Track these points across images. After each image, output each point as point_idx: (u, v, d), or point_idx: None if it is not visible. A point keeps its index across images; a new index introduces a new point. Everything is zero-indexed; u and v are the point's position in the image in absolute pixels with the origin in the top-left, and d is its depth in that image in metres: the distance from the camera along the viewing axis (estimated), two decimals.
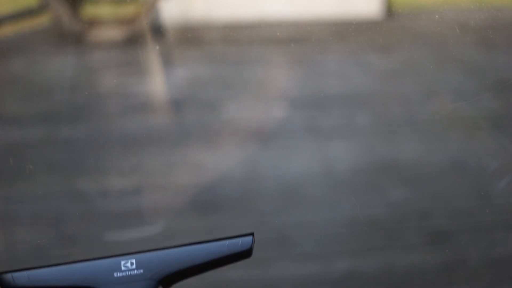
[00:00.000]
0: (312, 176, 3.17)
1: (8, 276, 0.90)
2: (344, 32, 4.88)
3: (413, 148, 3.43)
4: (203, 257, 0.91)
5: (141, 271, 0.91)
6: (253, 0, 5.31)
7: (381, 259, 2.59)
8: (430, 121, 3.63)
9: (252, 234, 0.93)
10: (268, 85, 4.02)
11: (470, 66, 4.07)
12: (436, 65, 4.01)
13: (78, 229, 2.70)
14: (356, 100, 3.99)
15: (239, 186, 3.04)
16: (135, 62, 4.33)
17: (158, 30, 4.64)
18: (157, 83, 4.05)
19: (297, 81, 4.07)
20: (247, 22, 5.18)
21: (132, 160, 3.26)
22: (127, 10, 5.13)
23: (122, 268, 0.91)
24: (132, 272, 0.91)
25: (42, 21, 5.27)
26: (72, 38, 4.89)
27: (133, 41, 4.63)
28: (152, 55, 4.06)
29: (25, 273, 0.90)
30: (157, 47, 4.21)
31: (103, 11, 5.36)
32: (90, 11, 5.37)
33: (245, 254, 0.92)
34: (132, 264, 0.91)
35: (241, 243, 0.92)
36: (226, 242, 0.92)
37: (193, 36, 4.82)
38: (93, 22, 4.96)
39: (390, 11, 5.47)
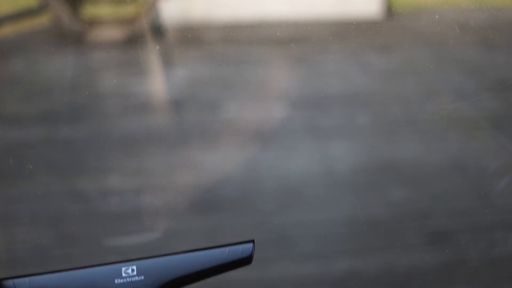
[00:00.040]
0: (312, 176, 3.17)
1: (10, 283, 0.90)
2: (344, 32, 4.88)
3: (413, 148, 3.43)
4: (204, 263, 0.91)
5: (142, 277, 0.91)
6: (253, 0, 5.31)
7: (381, 259, 2.59)
8: (430, 121, 3.63)
9: (252, 241, 0.93)
10: (268, 85, 4.02)
11: (470, 66, 4.07)
12: (436, 65, 4.01)
13: (78, 229, 2.70)
14: (356, 100, 3.99)
15: (239, 186, 3.04)
16: (135, 62, 4.33)
17: (158, 30, 4.64)
18: (157, 83, 4.05)
19: (297, 81, 4.07)
20: (247, 22, 5.18)
21: (132, 160, 3.26)
22: (127, 10, 5.13)
23: (123, 274, 0.91)
24: (133, 279, 0.91)
25: (42, 21, 5.27)
26: (72, 38, 4.89)
27: (133, 41, 4.63)
28: (152, 55, 4.06)
29: (26, 279, 0.90)
30: (157, 47, 4.21)
31: (103, 11, 5.36)
32: (90, 11, 5.37)
33: (245, 261, 0.92)
34: (133, 270, 0.92)
35: (241, 250, 0.92)
36: (227, 249, 0.92)
37: (193, 36, 4.81)
38: (93, 22, 4.96)
39: (390, 11, 5.47)
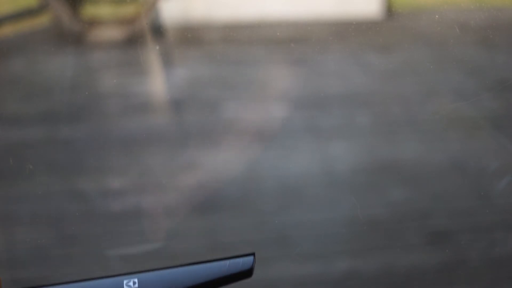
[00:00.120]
0: (312, 176, 3.17)
1: None
2: (344, 32, 4.88)
3: (413, 148, 3.43)
4: (204, 277, 0.91)
5: None
6: (253, 0, 5.31)
7: (381, 259, 2.59)
8: (430, 121, 3.63)
9: (253, 254, 0.93)
10: (268, 85, 4.02)
11: (470, 66, 4.07)
12: (436, 65, 4.01)
13: (78, 229, 2.70)
14: (356, 100, 3.99)
15: (239, 186, 3.04)
16: (135, 62, 4.33)
17: (158, 30, 4.64)
18: (157, 83, 4.05)
19: (297, 81, 4.07)
20: (247, 22, 5.18)
21: (132, 160, 3.26)
22: (127, 10, 5.13)
23: (125, 287, 0.91)
24: None
25: (42, 21, 5.27)
26: (72, 38, 4.89)
27: (133, 41, 4.63)
28: (152, 55, 4.06)
29: None
30: (157, 47, 4.21)
31: (103, 11, 5.36)
32: (90, 11, 5.37)
33: (246, 274, 0.93)
34: (134, 283, 0.92)
35: (242, 263, 0.92)
36: (227, 262, 0.92)
37: (193, 36, 4.81)
38: (93, 22, 4.96)
39: (390, 11, 5.47)
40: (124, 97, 3.92)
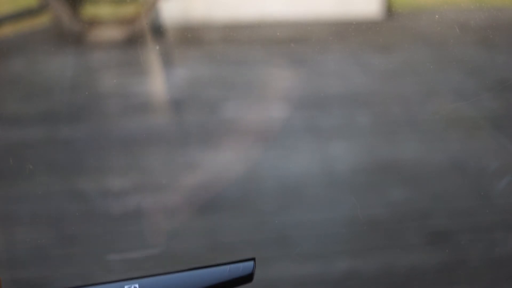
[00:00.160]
0: (312, 176, 3.17)
1: None
2: (344, 32, 4.88)
3: (413, 148, 3.43)
4: (205, 282, 0.91)
5: None
6: (253, 0, 5.31)
7: (381, 259, 2.59)
8: (430, 121, 3.63)
9: (253, 259, 0.93)
10: (268, 85, 4.02)
11: (470, 66, 4.07)
12: (436, 65, 4.01)
13: (78, 229, 2.70)
14: (356, 100, 3.99)
15: (239, 186, 3.04)
16: (135, 62, 4.33)
17: (158, 30, 4.64)
18: (157, 83, 4.05)
19: (297, 81, 4.07)
20: (247, 22, 5.18)
21: (132, 160, 3.26)
22: (127, 10, 5.13)
23: None
24: None
25: (42, 21, 5.27)
26: (72, 38, 4.89)
27: (133, 41, 4.63)
28: (152, 55, 4.06)
29: None
30: (157, 47, 4.21)
31: (103, 11, 5.36)
32: (90, 11, 5.37)
33: (246, 279, 0.92)
34: None
35: (242, 268, 0.92)
36: (228, 267, 0.92)
37: (193, 36, 4.81)
38: (93, 22, 4.96)
39: (390, 11, 5.47)
40: (124, 97, 3.92)
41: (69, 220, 2.81)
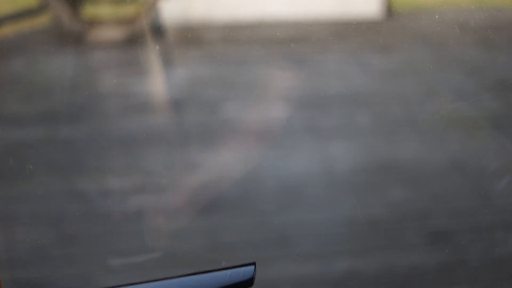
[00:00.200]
0: (312, 176, 3.17)
1: None
2: (344, 32, 4.88)
3: (413, 148, 3.43)
4: (205, 287, 0.91)
5: None
6: (253, 0, 5.31)
7: (381, 259, 2.59)
8: (430, 121, 3.63)
9: (253, 263, 0.92)
10: (268, 85, 4.02)
11: (470, 66, 4.07)
12: (436, 65, 4.01)
13: (78, 229, 2.70)
14: (356, 100, 3.99)
15: (239, 186, 3.04)
16: (135, 62, 4.33)
17: (158, 30, 4.64)
18: (157, 83, 4.05)
19: (297, 81, 4.07)
20: (247, 22, 5.18)
21: (132, 160, 3.26)
22: (127, 10, 5.13)
23: None
24: None
25: (42, 21, 5.27)
26: (72, 38, 4.89)
27: (133, 41, 4.63)
28: (152, 55, 4.06)
29: None
30: (157, 47, 4.21)
31: (103, 11, 5.36)
32: (90, 11, 5.37)
33: (247, 283, 0.92)
34: None
35: (242, 272, 0.92)
36: (228, 271, 0.92)
37: (193, 36, 4.81)
38: (93, 22, 4.96)
39: (390, 11, 5.47)
40: (124, 97, 3.92)
41: (69, 220, 2.81)
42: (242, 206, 2.93)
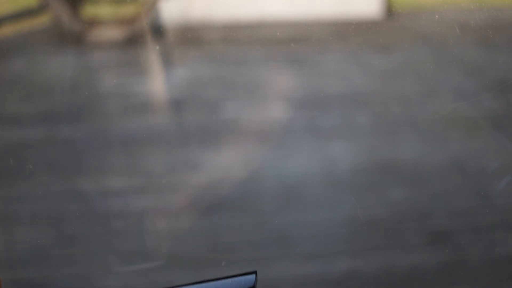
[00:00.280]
0: (312, 176, 3.17)
1: None
2: (344, 32, 4.88)
3: (413, 148, 3.43)
4: None
5: None
6: (253, 0, 5.31)
7: (381, 259, 2.59)
8: (430, 121, 3.63)
9: (254, 272, 0.92)
10: (268, 85, 4.02)
11: (470, 66, 4.07)
12: (436, 65, 4.01)
13: (78, 229, 2.70)
14: (356, 100, 3.99)
15: (239, 186, 3.04)
16: (135, 62, 4.33)
17: (158, 30, 4.64)
18: (157, 83, 4.05)
19: (297, 81, 4.07)
20: (247, 22, 5.18)
21: (132, 160, 3.26)
22: (127, 10, 5.13)
23: None
24: None
25: (42, 21, 5.27)
26: (72, 38, 4.89)
27: (133, 41, 4.63)
28: (152, 55, 4.06)
29: None
30: (157, 47, 4.21)
31: (103, 11, 5.36)
32: (90, 11, 5.37)
33: None
34: None
35: (244, 281, 0.91)
36: (230, 280, 0.91)
37: (193, 36, 4.81)
38: (93, 22, 4.96)
39: (390, 11, 5.47)
40: (124, 97, 3.92)
41: (69, 220, 2.81)
42: (242, 206, 2.93)
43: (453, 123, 3.52)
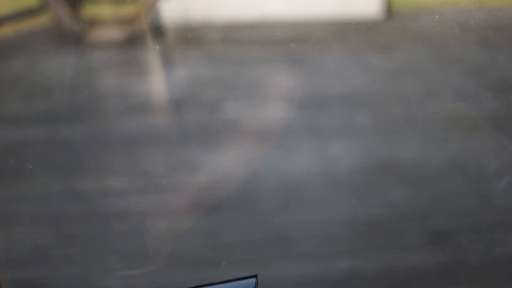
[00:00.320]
0: (312, 176, 3.17)
1: None
2: (344, 32, 4.88)
3: (413, 148, 3.43)
4: None
5: None
6: (253, 0, 5.31)
7: (381, 259, 2.59)
8: (430, 121, 3.63)
9: (255, 276, 0.91)
10: (268, 85, 4.02)
11: (470, 66, 4.07)
12: (436, 65, 4.01)
13: (78, 229, 2.70)
14: (356, 100, 3.99)
15: (239, 186, 3.04)
16: (135, 62, 4.33)
17: (158, 30, 4.64)
18: (157, 83, 4.05)
19: (297, 81, 4.07)
20: (247, 22, 5.18)
21: (132, 160, 3.26)
22: (127, 10, 5.13)
23: None
24: None
25: (42, 21, 5.27)
26: (72, 38, 4.89)
27: (133, 41, 4.63)
28: (152, 55, 4.06)
29: None
30: (157, 47, 4.21)
31: (103, 11, 5.36)
32: (90, 11, 5.37)
33: None
34: None
35: (244, 285, 0.91)
36: (230, 284, 0.91)
37: (193, 36, 4.81)
38: (93, 22, 4.96)
39: (390, 11, 5.47)
40: (124, 97, 3.92)
41: (69, 220, 2.81)
42: (242, 206, 2.93)
43: (453, 123, 3.52)
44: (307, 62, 4.31)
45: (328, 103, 3.88)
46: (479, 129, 3.50)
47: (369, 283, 2.47)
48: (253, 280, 0.90)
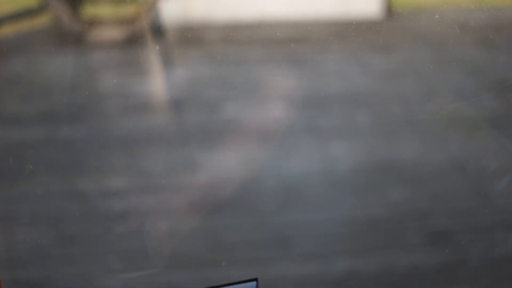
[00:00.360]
0: (312, 176, 3.17)
1: None
2: (344, 32, 4.88)
3: (413, 148, 3.43)
4: None
5: None
6: (253, 0, 5.31)
7: (381, 259, 2.59)
8: (430, 121, 3.63)
9: (255, 279, 0.91)
10: (268, 85, 4.02)
11: (470, 66, 4.07)
12: (436, 65, 4.01)
13: (78, 229, 2.70)
14: (356, 100, 3.99)
15: (239, 186, 3.04)
16: (135, 62, 4.33)
17: (158, 30, 4.64)
18: (157, 83, 4.05)
19: (297, 81, 4.07)
20: (247, 22, 5.18)
21: (132, 160, 3.26)
22: (127, 10, 5.13)
23: None
24: None
25: (42, 21, 5.27)
26: (72, 38, 4.89)
27: (133, 41, 4.63)
28: (152, 55, 4.06)
29: None
30: (157, 47, 4.21)
31: (103, 11, 5.36)
32: (90, 11, 5.37)
33: None
34: None
35: None
36: (230, 287, 0.91)
37: (193, 36, 4.81)
38: (93, 22, 4.96)
39: (390, 11, 5.47)
40: (124, 97, 3.92)
41: (69, 220, 2.81)
42: (242, 206, 2.93)
43: (453, 123, 3.52)
44: (307, 62, 4.31)
45: (328, 103, 3.88)
46: (479, 129, 3.50)
47: (369, 283, 2.47)
48: (254, 283, 0.90)
